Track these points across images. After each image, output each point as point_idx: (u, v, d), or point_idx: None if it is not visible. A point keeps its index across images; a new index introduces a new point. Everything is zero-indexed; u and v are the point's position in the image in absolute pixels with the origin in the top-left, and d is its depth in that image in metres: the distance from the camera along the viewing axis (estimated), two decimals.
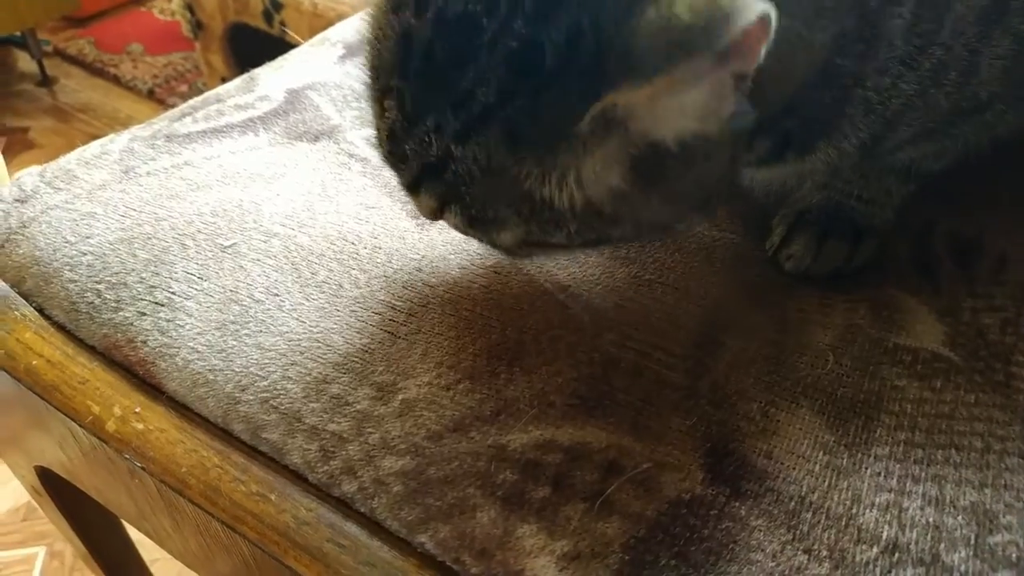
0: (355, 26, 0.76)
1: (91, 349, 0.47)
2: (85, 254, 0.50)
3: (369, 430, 0.39)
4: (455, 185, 0.34)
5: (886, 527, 0.34)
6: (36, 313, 0.50)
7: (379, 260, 0.48)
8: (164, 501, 0.43)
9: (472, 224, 0.36)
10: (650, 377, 0.41)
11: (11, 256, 0.51)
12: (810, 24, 0.34)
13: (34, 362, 0.47)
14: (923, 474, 0.36)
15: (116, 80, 2.11)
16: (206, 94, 0.68)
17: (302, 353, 0.43)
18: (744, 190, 0.53)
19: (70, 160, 0.58)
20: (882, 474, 0.36)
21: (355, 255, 0.49)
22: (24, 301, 0.50)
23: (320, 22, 1.53)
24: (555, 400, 0.40)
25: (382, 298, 0.46)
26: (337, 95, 0.66)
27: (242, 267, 0.48)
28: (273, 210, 0.52)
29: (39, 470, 0.60)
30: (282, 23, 1.65)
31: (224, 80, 1.88)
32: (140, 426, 0.43)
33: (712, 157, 0.34)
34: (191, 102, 0.66)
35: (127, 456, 0.42)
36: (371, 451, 0.39)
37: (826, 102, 0.38)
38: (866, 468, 0.36)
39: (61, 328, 0.49)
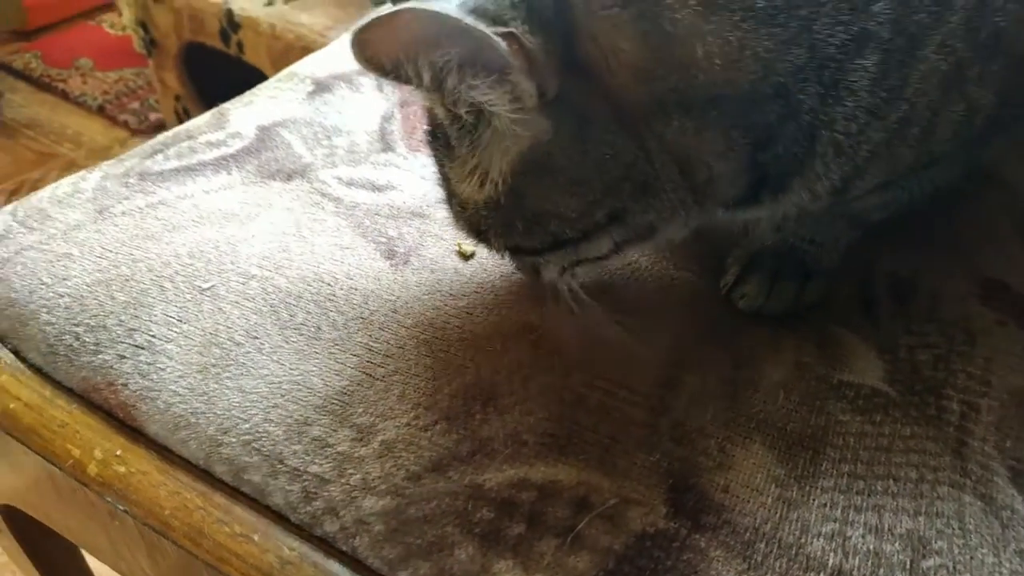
0: (323, 61, 0.78)
1: (69, 392, 0.48)
2: (62, 296, 0.50)
3: (350, 471, 0.41)
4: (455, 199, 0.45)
5: (831, 555, 0.37)
6: (11, 355, 0.50)
7: (355, 301, 0.50)
8: (145, 543, 0.44)
9: (476, 235, 0.45)
10: (616, 415, 0.43)
11: None
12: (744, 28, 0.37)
13: (11, 405, 0.47)
14: (864, 504, 0.39)
15: (64, 95, 2.07)
16: (176, 129, 0.68)
17: (283, 396, 0.44)
18: (701, 231, 0.57)
19: (42, 199, 0.58)
20: (828, 505, 0.39)
21: (332, 296, 0.50)
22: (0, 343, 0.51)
23: (278, 43, 1.54)
24: (528, 439, 0.42)
25: (360, 340, 0.48)
26: (308, 133, 0.67)
27: (221, 309, 0.49)
28: (250, 251, 0.54)
29: (4, 508, 0.60)
30: (239, 43, 1.64)
31: (178, 98, 1.87)
32: (122, 469, 0.44)
33: (592, 152, 0.39)
34: (161, 138, 0.67)
35: (109, 499, 0.43)
36: (352, 492, 0.41)
37: (796, 136, 0.41)
38: (813, 499, 0.40)
39: (38, 371, 0.49)
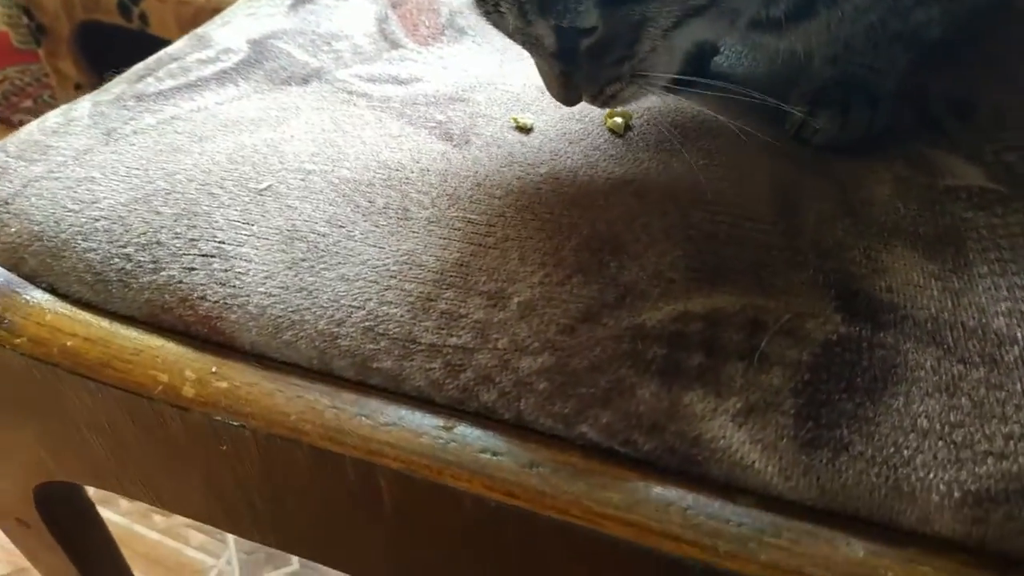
0: None
1: (130, 319, 0.42)
2: (97, 220, 0.44)
3: (495, 336, 0.38)
4: None
5: (1017, 329, 0.36)
6: (47, 294, 0.44)
7: (433, 181, 0.46)
8: (264, 463, 0.39)
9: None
10: (752, 244, 0.41)
11: None
12: None
13: (68, 343, 0.41)
14: None
15: None
16: (157, 55, 0.61)
17: (393, 277, 0.40)
18: (744, 79, 0.55)
19: (32, 132, 0.51)
20: (992, 288, 0.39)
21: (406, 180, 0.46)
22: (28, 283, 0.44)
23: (187, 10, 1.43)
24: (674, 277, 0.39)
25: (455, 215, 0.44)
26: (304, 41, 0.62)
27: (289, 206, 0.44)
28: (295, 150, 0.48)
29: (39, 490, 0.53)
30: (142, 15, 1.52)
31: (79, 87, 1.72)
32: (224, 384, 0.39)
33: None
34: (142, 64, 0.60)
35: (219, 418, 0.38)
36: (504, 355, 0.37)
37: None
38: (977, 285, 0.39)
39: (84, 304, 0.43)
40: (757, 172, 0.47)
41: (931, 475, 0.32)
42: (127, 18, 1.54)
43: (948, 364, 0.35)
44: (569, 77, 0.42)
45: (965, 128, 0.52)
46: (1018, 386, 0.34)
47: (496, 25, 0.44)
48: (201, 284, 0.41)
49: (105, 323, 0.42)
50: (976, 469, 0.32)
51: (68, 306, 0.43)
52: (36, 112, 1.87)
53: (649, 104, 0.54)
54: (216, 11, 1.50)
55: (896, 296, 0.38)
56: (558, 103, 0.45)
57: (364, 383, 0.39)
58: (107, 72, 0.61)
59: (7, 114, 1.81)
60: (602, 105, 0.45)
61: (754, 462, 0.34)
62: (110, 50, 1.64)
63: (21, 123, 1.81)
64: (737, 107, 0.54)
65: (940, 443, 0.33)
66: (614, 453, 0.35)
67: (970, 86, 0.55)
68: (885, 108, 0.52)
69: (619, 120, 0.51)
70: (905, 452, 0.33)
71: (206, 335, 0.41)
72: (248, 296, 0.40)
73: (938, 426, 0.33)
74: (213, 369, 0.40)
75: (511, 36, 0.44)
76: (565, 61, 0.42)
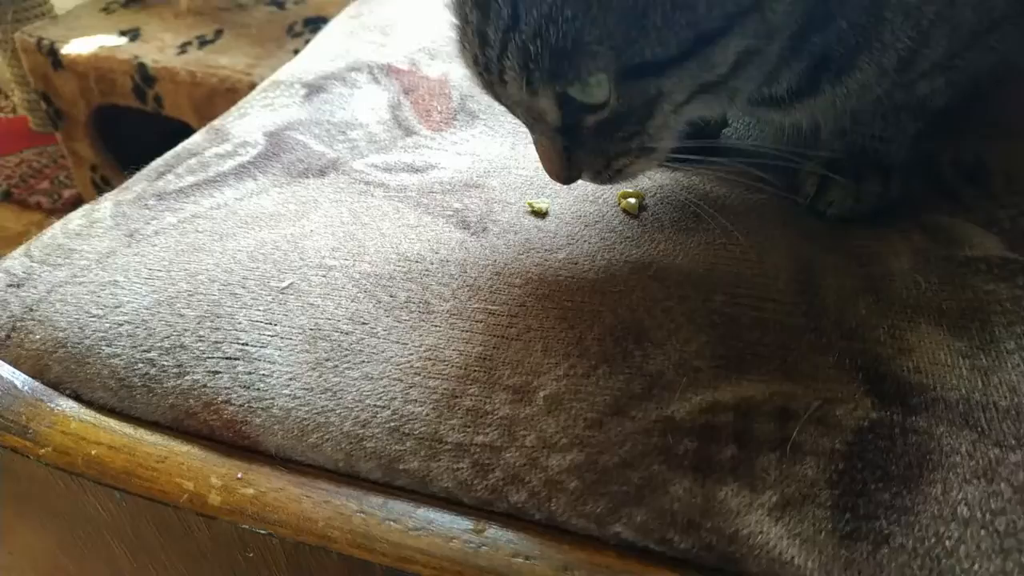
0: (303, 65, 0.74)
1: (154, 424, 0.42)
2: (121, 324, 0.44)
3: (522, 433, 0.37)
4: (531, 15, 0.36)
5: None
6: (71, 401, 0.44)
7: (453, 272, 0.46)
8: (292, 568, 0.39)
9: (558, 67, 0.37)
10: (775, 326, 0.41)
11: (24, 345, 0.45)
12: None
13: (93, 452, 0.41)
14: None
15: None
16: (174, 151, 0.63)
17: (417, 374, 0.40)
18: (753, 151, 0.56)
19: (55, 235, 0.52)
20: (1022, 364, 0.38)
21: (426, 272, 0.46)
22: (53, 391, 0.44)
23: (200, 90, 1.47)
24: (700, 365, 0.39)
25: (476, 306, 0.44)
26: (319, 131, 0.63)
27: (312, 304, 0.44)
28: (315, 245, 0.49)
29: None
30: (157, 98, 1.56)
31: (94, 168, 1.75)
32: (250, 491, 0.39)
33: None
34: (160, 161, 0.61)
35: (245, 526, 0.38)
36: (532, 453, 0.37)
37: (864, 3, 0.41)
38: (1006, 362, 0.38)
39: (109, 410, 0.43)
40: (774, 249, 0.47)
41: (976, 566, 0.32)
42: (142, 100, 1.58)
43: (984, 448, 0.34)
44: (571, 154, 0.42)
45: (980, 194, 0.52)
46: None
47: (497, 97, 0.42)
48: (225, 388, 0.41)
49: (129, 429, 0.42)
50: (1022, 559, 0.31)
51: (92, 413, 0.43)
52: (52, 193, 1.91)
53: (662, 182, 0.54)
54: (230, 91, 1.53)
55: (925, 377, 0.38)
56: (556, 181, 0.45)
57: (391, 484, 0.38)
58: (129, 168, 0.63)
59: (24, 196, 1.85)
60: (606, 182, 0.44)
61: (793, 557, 0.33)
62: (126, 131, 1.68)
63: (38, 204, 1.83)
64: (749, 180, 0.55)
65: (982, 532, 0.32)
66: (650, 552, 0.35)
67: (979, 150, 0.56)
68: (897, 177, 0.52)
69: (633, 200, 0.52)
70: (947, 543, 0.32)
71: (231, 439, 0.41)
72: (273, 399, 0.40)
73: (979, 514, 0.32)
74: (239, 475, 0.39)
75: (512, 108, 0.42)
76: (568, 137, 0.41)
